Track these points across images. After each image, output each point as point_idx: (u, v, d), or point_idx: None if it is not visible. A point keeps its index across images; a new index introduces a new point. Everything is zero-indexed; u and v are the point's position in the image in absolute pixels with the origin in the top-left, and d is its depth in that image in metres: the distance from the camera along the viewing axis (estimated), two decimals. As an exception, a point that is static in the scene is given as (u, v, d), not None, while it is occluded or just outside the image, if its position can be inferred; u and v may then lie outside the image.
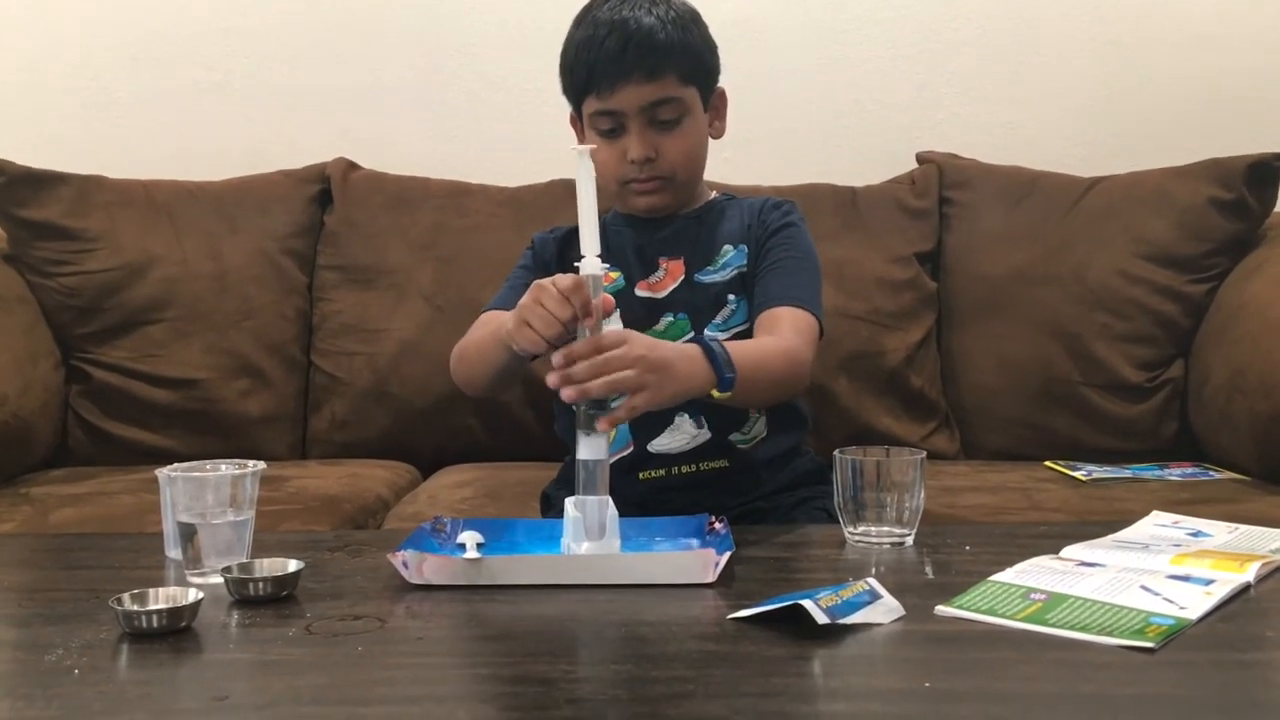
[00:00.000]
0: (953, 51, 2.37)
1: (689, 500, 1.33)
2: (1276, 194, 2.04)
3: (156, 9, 2.39)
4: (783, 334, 1.33)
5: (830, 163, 2.30)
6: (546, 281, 1.13)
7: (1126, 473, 1.83)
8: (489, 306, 1.45)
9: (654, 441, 1.40)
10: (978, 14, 2.37)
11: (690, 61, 1.40)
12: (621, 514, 1.13)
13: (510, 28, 2.38)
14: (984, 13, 2.37)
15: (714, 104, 1.46)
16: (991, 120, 2.37)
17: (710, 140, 1.47)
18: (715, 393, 1.19)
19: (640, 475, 1.39)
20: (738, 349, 1.23)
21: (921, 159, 2.28)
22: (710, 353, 1.17)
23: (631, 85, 1.36)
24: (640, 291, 1.43)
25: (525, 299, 1.15)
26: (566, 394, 1.10)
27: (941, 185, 2.20)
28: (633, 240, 1.46)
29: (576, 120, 1.47)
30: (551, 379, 1.11)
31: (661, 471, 1.40)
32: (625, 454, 1.39)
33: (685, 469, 1.40)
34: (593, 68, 1.37)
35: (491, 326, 1.32)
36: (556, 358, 1.11)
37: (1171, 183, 2.08)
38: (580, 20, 1.42)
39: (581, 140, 1.47)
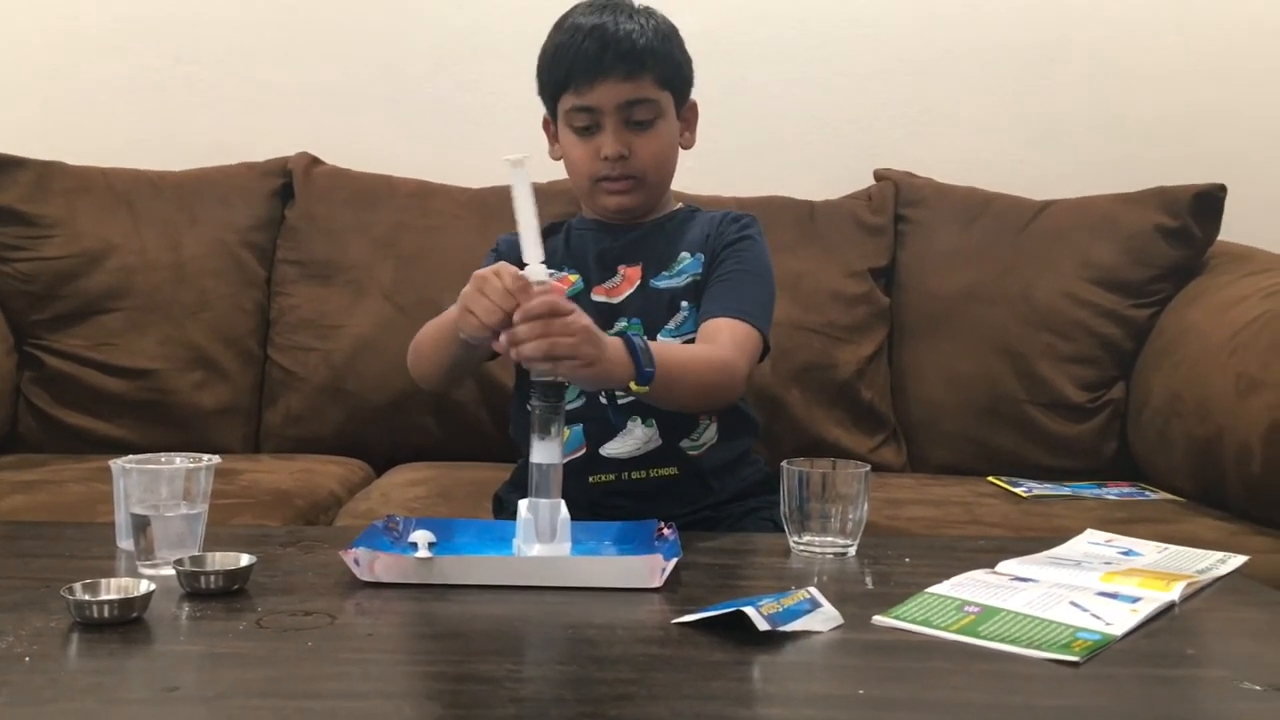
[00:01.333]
0: (913, 73, 2.42)
1: (639, 508, 1.35)
2: (1219, 223, 2.10)
3: (124, -2, 2.39)
4: (719, 345, 1.36)
5: (790, 176, 2.33)
6: (488, 272, 1.16)
7: (1066, 490, 1.88)
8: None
9: (605, 446, 1.42)
10: (938, 39, 2.41)
11: (667, 67, 1.44)
12: (572, 518, 1.15)
13: (479, 30, 2.39)
14: (945, 38, 2.41)
15: (685, 115, 1.50)
16: (948, 141, 2.41)
17: (680, 150, 1.50)
18: (634, 385, 1.22)
19: (590, 479, 1.42)
20: (664, 350, 1.26)
21: (879, 176, 2.32)
22: (631, 346, 1.20)
23: (610, 82, 1.39)
24: (596, 296, 1.45)
25: (468, 287, 1.18)
26: (500, 342, 1.15)
27: (897, 203, 2.25)
28: (595, 245, 1.49)
29: (550, 123, 1.50)
30: (501, 339, 1.15)
31: (611, 476, 1.42)
32: (577, 456, 1.41)
33: (636, 475, 1.42)
34: (573, 64, 1.40)
35: (446, 317, 1.34)
36: (516, 315, 1.14)
37: (1119, 209, 2.14)
38: (560, 24, 1.45)
39: (554, 144, 1.49)
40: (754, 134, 2.39)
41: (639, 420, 1.42)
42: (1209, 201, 2.08)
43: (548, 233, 1.45)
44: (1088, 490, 1.89)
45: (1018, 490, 1.86)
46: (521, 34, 2.40)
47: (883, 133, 2.42)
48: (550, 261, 1.37)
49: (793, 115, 2.42)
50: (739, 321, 1.39)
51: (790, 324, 2.05)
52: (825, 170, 2.39)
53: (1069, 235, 2.13)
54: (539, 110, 1.52)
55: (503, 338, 1.15)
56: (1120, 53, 2.41)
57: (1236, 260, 2.06)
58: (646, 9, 1.46)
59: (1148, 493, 1.88)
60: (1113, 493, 1.88)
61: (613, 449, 1.42)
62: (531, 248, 1.16)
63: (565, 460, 1.18)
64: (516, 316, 1.13)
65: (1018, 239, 2.16)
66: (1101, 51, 2.41)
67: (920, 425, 2.13)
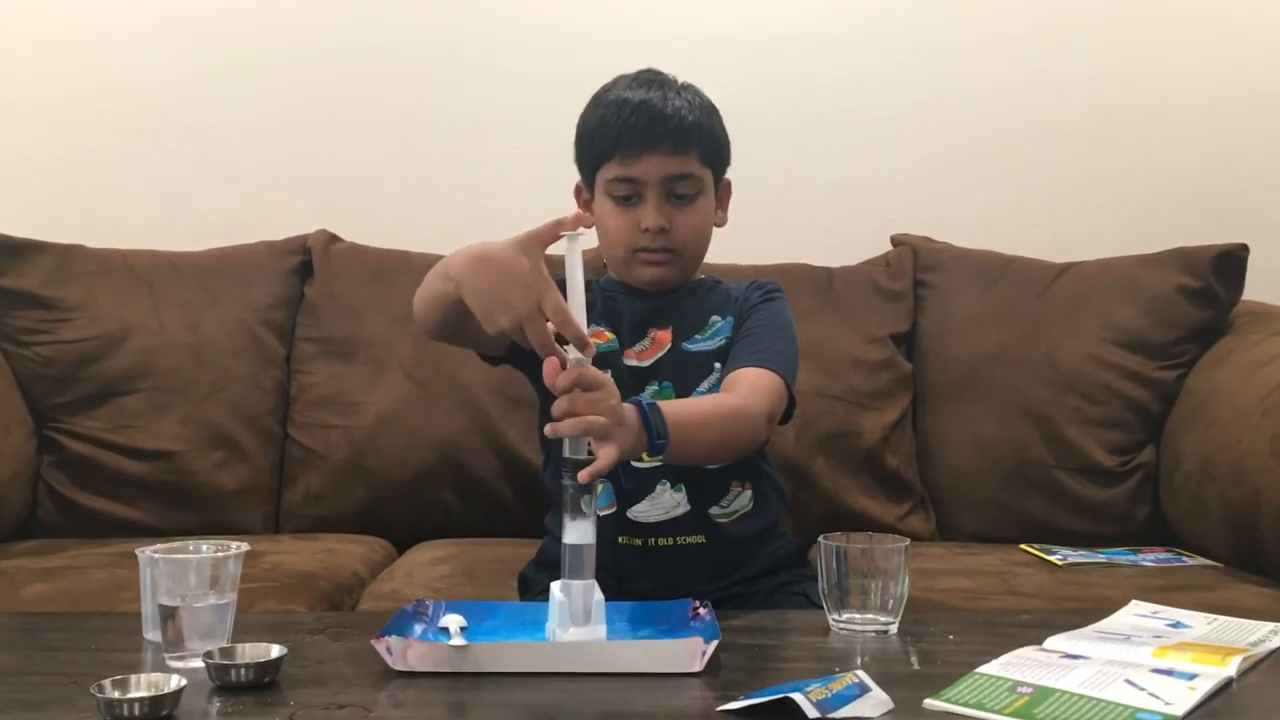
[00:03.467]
0: (927, 138, 2.43)
1: (667, 579, 1.35)
2: (1243, 283, 2.09)
3: (140, 79, 2.41)
4: (738, 392, 1.36)
5: (807, 244, 2.33)
6: (558, 306, 1.12)
7: (1101, 557, 1.84)
8: None
9: (634, 508, 1.41)
10: (952, 102, 2.43)
11: (711, 145, 1.45)
12: (599, 581, 1.13)
13: (493, 105, 2.41)
14: (958, 101, 2.43)
15: (720, 194, 1.50)
16: (965, 205, 2.42)
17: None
18: (646, 456, 1.22)
19: (619, 539, 1.40)
20: (678, 409, 1.24)
21: (896, 241, 2.32)
22: (645, 417, 1.18)
23: (657, 156, 1.40)
24: (628, 360, 1.45)
25: (494, 271, 1.15)
26: (545, 430, 1.12)
27: (916, 268, 2.24)
28: (626, 307, 1.48)
29: (583, 190, 1.50)
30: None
31: (638, 541, 1.40)
32: (607, 514, 1.39)
33: (663, 541, 1.40)
34: (619, 135, 1.40)
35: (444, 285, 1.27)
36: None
37: (1140, 270, 2.13)
38: (602, 98, 1.45)
39: (586, 210, 1.49)
40: (769, 202, 2.39)
41: (668, 485, 1.41)
42: (1231, 261, 2.07)
43: None
44: (1123, 557, 1.85)
45: (1052, 558, 1.83)
46: (536, 108, 2.43)
47: (898, 198, 2.43)
48: (587, 316, 1.38)
49: (808, 182, 2.43)
50: (760, 369, 1.38)
51: (812, 392, 2.04)
52: (841, 237, 2.39)
53: (1091, 297, 2.12)
54: (553, 183, 1.52)
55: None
56: (1135, 114, 2.42)
57: (1262, 320, 2.04)
58: (690, 86, 1.47)
59: (1184, 558, 1.85)
60: (1149, 559, 1.85)
61: (640, 512, 1.40)
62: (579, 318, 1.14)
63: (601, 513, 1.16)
64: (555, 386, 1.12)
65: (1038, 302, 2.14)
66: (1114, 113, 2.42)
67: (948, 492, 2.11)
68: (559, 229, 1.15)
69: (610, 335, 1.46)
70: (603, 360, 1.42)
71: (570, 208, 1.50)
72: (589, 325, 1.42)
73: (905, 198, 2.42)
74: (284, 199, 2.39)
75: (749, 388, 1.36)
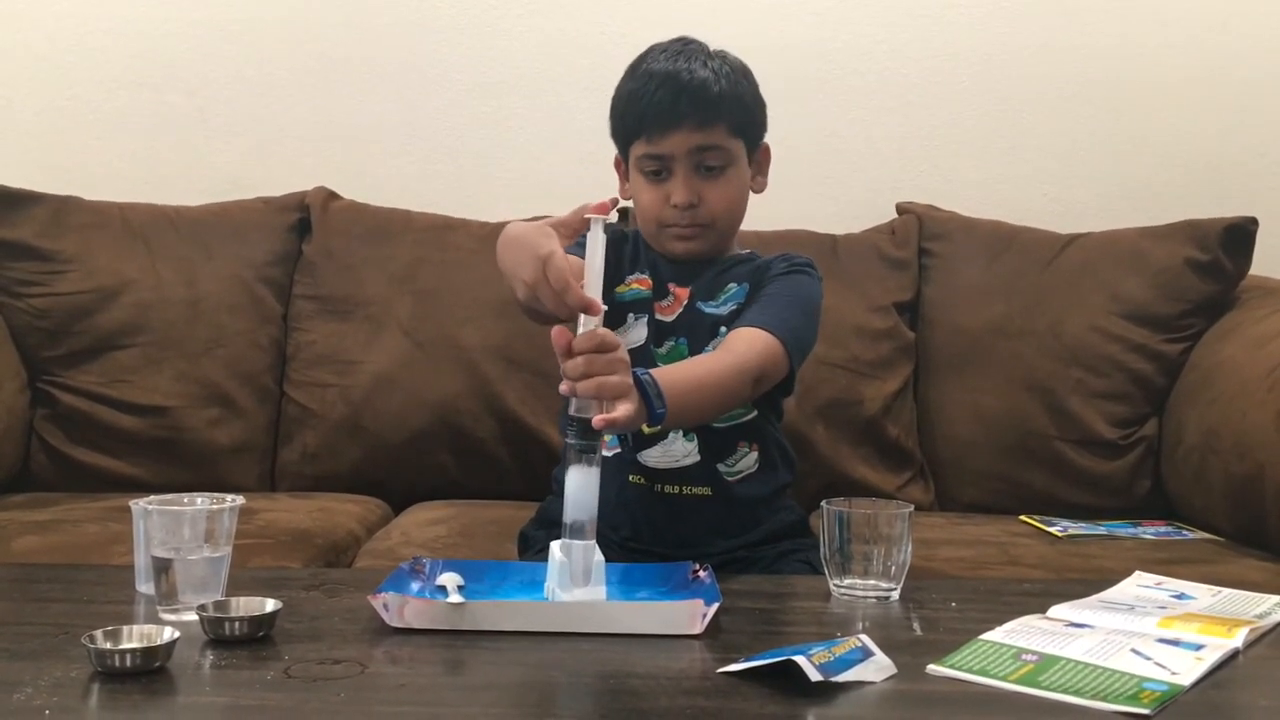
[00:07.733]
0: (934, 105, 2.40)
1: (671, 528, 1.37)
2: (1251, 257, 2.06)
3: (139, 32, 2.37)
4: (729, 349, 1.33)
5: (811, 210, 2.30)
6: (559, 274, 1.09)
7: (1101, 530, 1.83)
8: None
9: (645, 452, 1.40)
10: (960, 70, 2.39)
11: (741, 114, 1.42)
12: (606, 514, 1.12)
13: (495, 66, 2.38)
14: (966, 69, 2.39)
15: (758, 159, 1.48)
16: (971, 174, 2.39)
17: (751, 194, 1.48)
18: (645, 428, 1.23)
19: (629, 478, 1.40)
20: (672, 377, 1.21)
21: (901, 209, 2.29)
22: (643, 388, 1.16)
23: (683, 131, 1.38)
24: (655, 314, 1.44)
25: (521, 251, 1.14)
26: (562, 388, 1.10)
27: (921, 236, 2.22)
28: (657, 261, 1.47)
29: (621, 163, 1.48)
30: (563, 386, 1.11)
31: (646, 482, 1.40)
32: (615, 454, 1.39)
33: (669, 489, 1.40)
34: (645, 112, 1.38)
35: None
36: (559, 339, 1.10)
37: (1147, 243, 2.10)
38: (634, 69, 1.42)
39: (624, 183, 1.48)
40: (774, 167, 2.35)
41: (680, 434, 1.40)
42: (1240, 235, 2.05)
43: (616, 238, 1.45)
44: (1123, 529, 1.84)
45: (1052, 530, 1.82)
46: (538, 69, 2.39)
47: (904, 166, 2.40)
48: (629, 264, 1.45)
49: (812, 148, 2.40)
50: (758, 329, 1.35)
51: (815, 359, 1.98)
52: (846, 203, 2.37)
53: (1097, 269, 2.10)
54: (554, 144, 1.49)
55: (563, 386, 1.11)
56: (1143, 84, 2.38)
57: (1269, 294, 2.02)
58: (721, 53, 1.43)
59: (1185, 532, 1.84)
60: (1149, 532, 1.84)
61: (651, 457, 1.40)
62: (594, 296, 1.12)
63: (610, 453, 1.20)
64: (574, 346, 1.10)
65: (1044, 273, 2.12)
66: (1124, 83, 2.38)
67: (948, 463, 2.09)
68: (582, 213, 1.14)
69: (650, 282, 1.45)
70: (636, 306, 1.43)
71: (570, 172, 1.47)
72: (632, 272, 1.45)
73: (911, 165, 2.40)
74: (283, 155, 2.36)
75: (743, 345, 1.34)
